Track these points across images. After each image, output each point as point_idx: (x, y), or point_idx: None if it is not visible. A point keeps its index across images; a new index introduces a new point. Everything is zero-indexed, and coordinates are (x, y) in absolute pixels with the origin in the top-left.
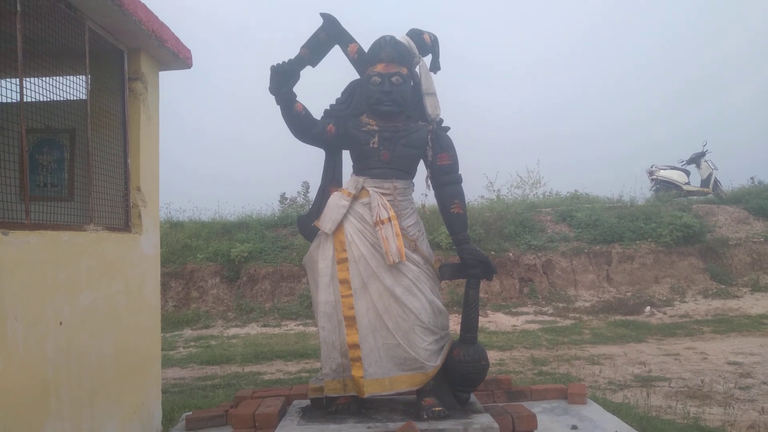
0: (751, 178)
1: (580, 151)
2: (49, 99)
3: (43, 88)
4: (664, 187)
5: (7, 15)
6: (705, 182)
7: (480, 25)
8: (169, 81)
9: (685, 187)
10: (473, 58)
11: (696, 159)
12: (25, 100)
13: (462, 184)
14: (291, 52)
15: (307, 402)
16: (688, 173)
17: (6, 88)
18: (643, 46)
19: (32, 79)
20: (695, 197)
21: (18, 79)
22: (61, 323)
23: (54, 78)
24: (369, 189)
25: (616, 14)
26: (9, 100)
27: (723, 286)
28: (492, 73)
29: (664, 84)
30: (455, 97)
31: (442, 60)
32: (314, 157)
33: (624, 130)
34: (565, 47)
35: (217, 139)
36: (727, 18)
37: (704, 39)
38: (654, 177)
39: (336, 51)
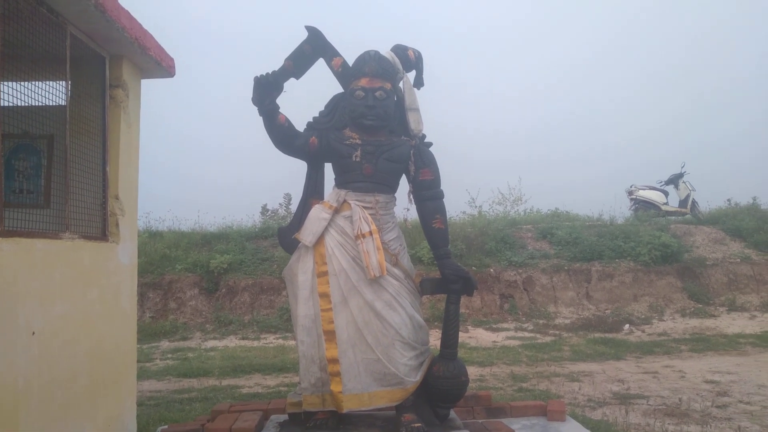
0: (728, 200)
1: (561, 172)
2: (27, 104)
3: (21, 93)
4: (643, 206)
5: None
6: (683, 203)
7: (470, 51)
8: (151, 84)
9: (663, 207)
10: (461, 81)
11: (674, 180)
12: (2, 104)
13: (444, 200)
14: (276, 59)
15: (285, 417)
16: (666, 194)
17: None
18: (630, 77)
19: (10, 83)
20: (673, 217)
21: None
22: (33, 333)
23: (33, 83)
24: (351, 202)
25: (604, 47)
26: None
27: (700, 306)
28: (479, 96)
29: (648, 114)
30: (439, 116)
31: (427, 78)
32: (296, 168)
33: (606, 155)
34: (553, 75)
35: (199, 144)
36: (712, 54)
37: (689, 73)
38: (633, 197)
39: (320, 63)
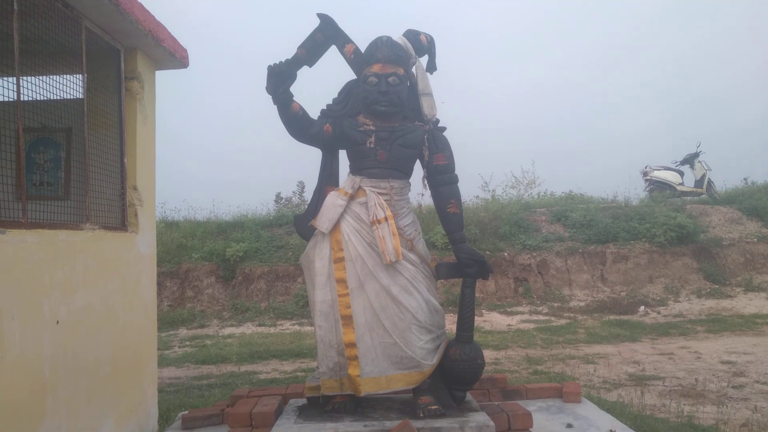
0: (744, 179)
1: (576, 162)
2: (45, 98)
3: (39, 87)
4: (658, 187)
5: (4, 14)
6: (698, 183)
7: (482, 50)
8: (164, 85)
9: (678, 188)
10: (473, 80)
11: (690, 160)
12: (21, 99)
13: (458, 184)
14: (287, 53)
15: (303, 401)
16: (681, 174)
17: (3, 87)
18: (645, 67)
19: (29, 78)
20: (689, 198)
21: (15, 78)
22: (57, 322)
23: (51, 77)
24: (366, 188)
25: (616, 40)
26: (6, 99)
27: (716, 286)
28: (492, 94)
29: (662, 103)
30: (453, 114)
31: (440, 75)
32: (310, 156)
33: (620, 146)
34: (568, 69)
35: (212, 144)
36: (727, 45)
37: (707, 59)
38: (648, 177)
39: (333, 51)
